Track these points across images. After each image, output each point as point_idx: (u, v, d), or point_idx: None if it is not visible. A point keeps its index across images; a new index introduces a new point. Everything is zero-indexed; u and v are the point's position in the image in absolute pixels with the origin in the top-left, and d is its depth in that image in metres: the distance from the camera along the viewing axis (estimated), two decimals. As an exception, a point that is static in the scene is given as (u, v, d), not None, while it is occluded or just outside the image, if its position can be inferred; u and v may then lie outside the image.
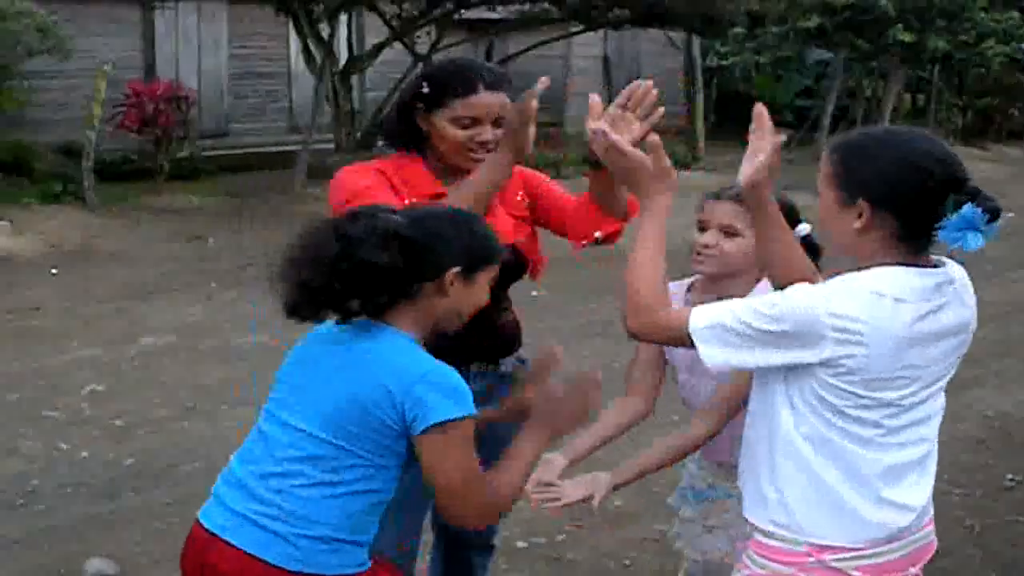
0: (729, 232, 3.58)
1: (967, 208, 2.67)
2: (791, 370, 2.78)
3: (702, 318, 2.81)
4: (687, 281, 3.82)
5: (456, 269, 2.95)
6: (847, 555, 2.79)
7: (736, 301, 2.85)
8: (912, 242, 2.78)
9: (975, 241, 2.69)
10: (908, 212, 2.75)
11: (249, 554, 2.89)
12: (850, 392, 2.73)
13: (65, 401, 7.92)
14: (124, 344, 9.48)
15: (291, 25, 18.44)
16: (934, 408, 2.90)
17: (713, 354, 2.79)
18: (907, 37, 22.56)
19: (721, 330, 2.78)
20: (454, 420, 2.81)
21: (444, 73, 3.74)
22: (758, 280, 3.57)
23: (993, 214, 2.70)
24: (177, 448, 7.03)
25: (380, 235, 2.87)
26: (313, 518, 2.88)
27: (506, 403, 3.48)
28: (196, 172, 17.60)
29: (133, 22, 18.82)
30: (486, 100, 3.65)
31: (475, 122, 3.64)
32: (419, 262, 2.91)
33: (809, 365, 2.73)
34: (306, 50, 17.79)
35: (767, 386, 2.87)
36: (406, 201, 3.57)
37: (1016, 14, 24.85)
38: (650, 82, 3.47)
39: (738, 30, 22.31)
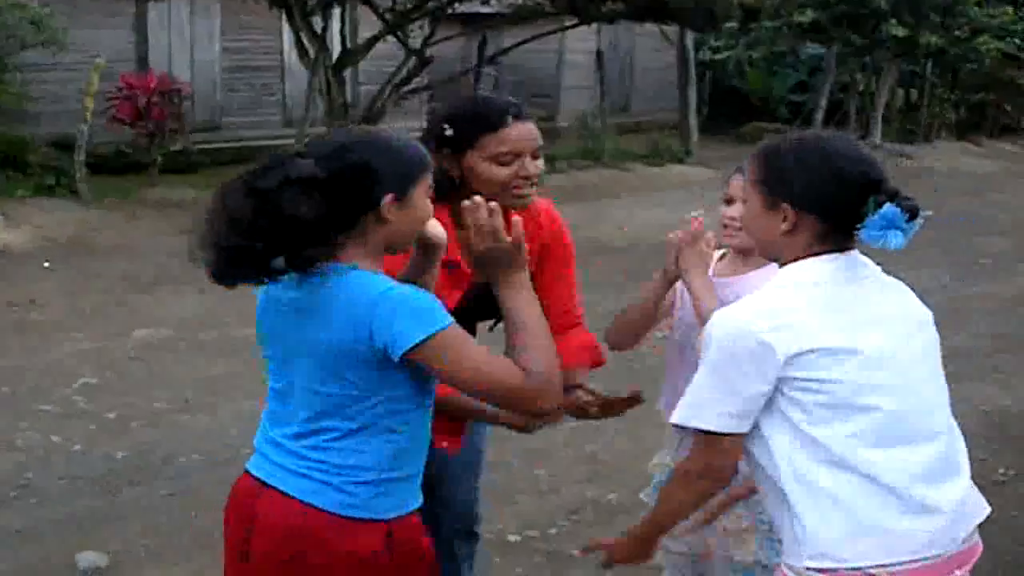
0: None
1: (887, 208, 2.75)
2: (766, 407, 2.82)
3: (682, 413, 2.91)
4: (720, 251, 3.87)
5: (389, 197, 2.84)
6: (886, 567, 2.76)
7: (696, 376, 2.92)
8: (835, 241, 2.87)
9: (896, 240, 2.76)
10: (830, 213, 2.84)
11: (304, 502, 2.86)
12: (831, 390, 2.76)
13: (60, 394, 7.92)
14: (119, 337, 9.47)
15: (284, 18, 18.41)
16: (931, 393, 2.91)
17: (726, 422, 2.84)
18: (901, 32, 22.60)
19: (696, 401, 2.88)
20: (425, 339, 2.72)
21: (467, 111, 3.54)
22: None
23: (912, 213, 2.76)
24: (174, 441, 7.02)
25: (296, 184, 2.73)
26: (359, 465, 2.85)
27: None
28: (190, 165, 17.57)
29: (126, 15, 18.76)
30: (520, 130, 3.46)
31: (515, 156, 3.44)
32: (346, 201, 2.80)
33: (784, 375, 2.77)
34: (299, 43, 17.75)
35: (753, 438, 2.88)
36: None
37: (1010, 9, 24.87)
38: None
39: (732, 24, 22.30)
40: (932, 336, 2.99)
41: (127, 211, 14.91)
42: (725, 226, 3.76)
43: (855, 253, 2.91)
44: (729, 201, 3.76)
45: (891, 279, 3.00)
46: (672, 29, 23.03)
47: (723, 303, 3.59)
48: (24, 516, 5.98)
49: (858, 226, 2.79)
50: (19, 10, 14.49)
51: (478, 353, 2.79)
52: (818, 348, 2.75)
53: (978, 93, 28.51)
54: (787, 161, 2.89)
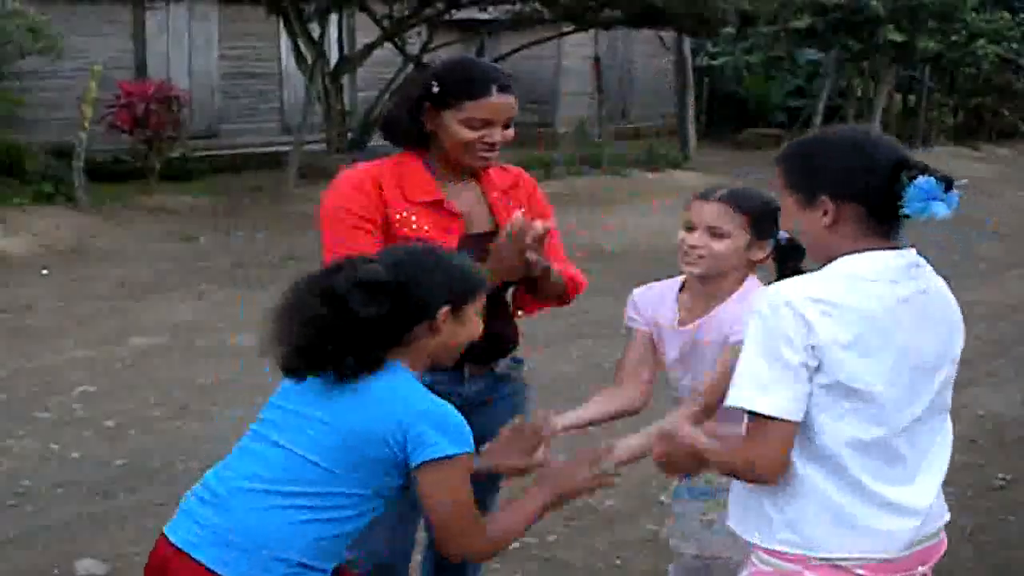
0: (716, 233, 3.61)
1: (921, 179, 2.75)
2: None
3: (742, 394, 2.80)
4: (675, 281, 3.84)
5: (445, 308, 2.97)
6: (859, 559, 2.78)
7: (744, 354, 2.83)
8: (881, 227, 2.84)
9: (940, 209, 2.76)
10: (868, 196, 2.82)
11: (213, 571, 2.88)
12: (842, 384, 2.74)
13: (57, 401, 7.91)
14: (116, 344, 9.47)
15: (282, 25, 18.44)
16: (932, 401, 2.90)
17: (771, 401, 2.75)
18: (898, 37, 22.65)
19: (752, 382, 2.78)
20: (451, 456, 2.84)
21: (456, 73, 3.70)
22: (745, 278, 3.62)
23: (947, 182, 2.78)
24: (170, 448, 7.02)
25: (364, 287, 2.87)
26: (287, 541, 2.88)
27: (496, 454, 3.48)
28: (187, 172, 17.60)
29: (124, 22, 18.80)
30: (499, 102, 3.63)
31: (486, 124, 3.63)
32: (407, 307, 2.92)
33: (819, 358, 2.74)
34: (297, 50, 17.79)
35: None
36: (402, 214, 3.62)
37: (1007, 14, 24.92)
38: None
39: (729, 30, 22.33)
40: (956, 350, 2.97)
41: (125, 218, 14.91)
42: (686, 254, 3.67)
43: (913, 252, 2.88)
44: (690, 227, 3.71)
45: (940, 284, 2.97)
46: (669, 35, 23.07)
47: (685, 355, 3.66)
48: (21, 523, 5.97)
49: (899, 203, 2.77)
50: (17, 18, 14.51)
51: (469, 492, 2.93)
52: (839, 340, 2.72)
53: (975, 98, 28.57)
54: (813, 154, 2.90)
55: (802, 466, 2.80)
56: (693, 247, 3.64)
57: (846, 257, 2.82)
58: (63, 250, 13.30)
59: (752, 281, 3.64)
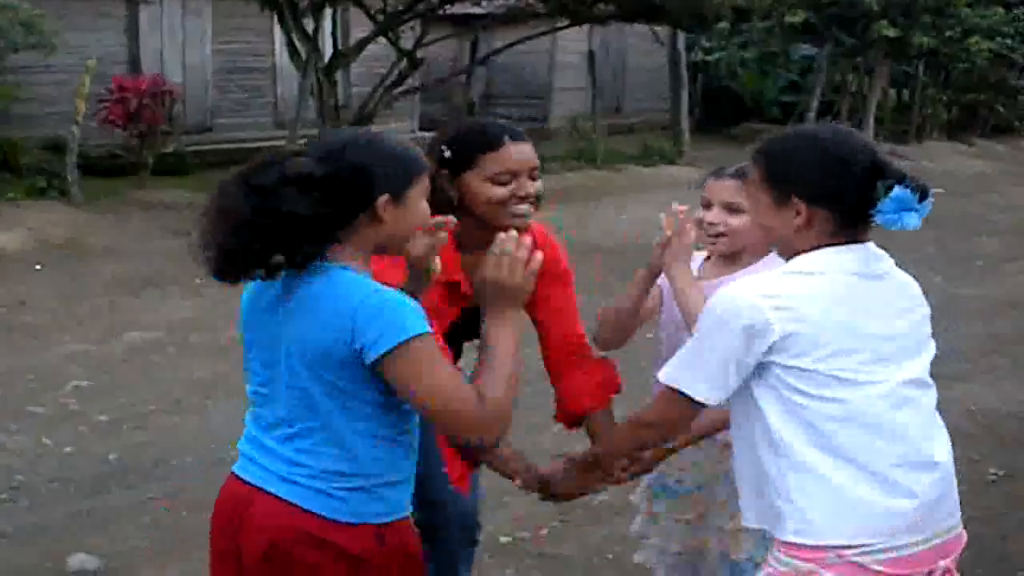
0: (733, 208, 3.65)
1: (897, 190, 2.77)
2: (759, 376, 2.85)
3: (669, 372, 2.99)
4: (702, 254, 3.90)
5: (384, 197, 2.85)
6: (867, 549, 2.78)
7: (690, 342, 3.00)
8: (851, 229, 2.88)
9: (912, 221, 2.78)
10: (841, 202, 2.85)
11: (296, 505, 2.84)
12: (825, 374, 2.78)
13: (52, 396, 7.91)
14: (111, 339, 9.47)
15: (275, 20, 18.40)
16: (919, 387, 2.93)
17: (702, 390, 2.91)
18: (892, 32, 22.63)
19: (690, 366, 2.93)
20: (404, 342, 2.71)
21: (465, 133, 3.63)
22: (767, 254, 3.63)
23: (922, 192, 2.79)
24: (165, 443, 7.02)
25: (295, 182, 2.74)
26: (346, 472, 2.84)
27: None
28: (181, 167, 17.55)
29: (118, 17, 18.75)
30: (518, 150, 3.54)
31: (512, 176, 3.51)
32: (343, 200, 2.80)
33: (770, 357, 2.80)
34: (291, 45, 17.74)
35: (743, 402, 2.93)
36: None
37: (1001, 10, 24.93)
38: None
39: (723, 25, 22.32)
40: (928, 335, 3.02)
41: (119, 213, 14.89)
42: (705, 231, 3.74)
43: (870, 246, 2.92)
44: (707, 205, 3.75)
45: (904, 275, 3.01)
46: (664, 30, 23.06)
47: None
48: (15, 518, 5.97)
49: (871, 212, 2.81)
50: (9, 12, 14.46)
51: (442, 368, 2.78)
52: (814, 333, 2.77)
53: (969, 93, 28.54)
54: (792, 156, 2.91)
55: (805, 454, 2.82)
56: (712, 224, 3.72)
57: (802, 255, 2.89)
58: (57, 245, 13.27)
59: (772, 257, 3.64)
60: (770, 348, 2.79)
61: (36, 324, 9.99)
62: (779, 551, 2.90)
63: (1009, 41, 25.50)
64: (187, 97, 18.53)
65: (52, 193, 15.07)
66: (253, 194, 2.74)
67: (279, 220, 2.72)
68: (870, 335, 2.83)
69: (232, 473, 3.02)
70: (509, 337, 2.88)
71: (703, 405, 2.93)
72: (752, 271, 3.60)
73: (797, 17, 22.88)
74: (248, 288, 2.99)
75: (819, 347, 2.78)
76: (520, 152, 3.54)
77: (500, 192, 3.49)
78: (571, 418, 3.94)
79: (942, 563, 2.88)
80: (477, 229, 3.47)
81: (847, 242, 2.88)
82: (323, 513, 2.84)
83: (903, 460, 2.84)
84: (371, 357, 2.72)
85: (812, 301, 2.80)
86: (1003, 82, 28.18)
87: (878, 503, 2.80)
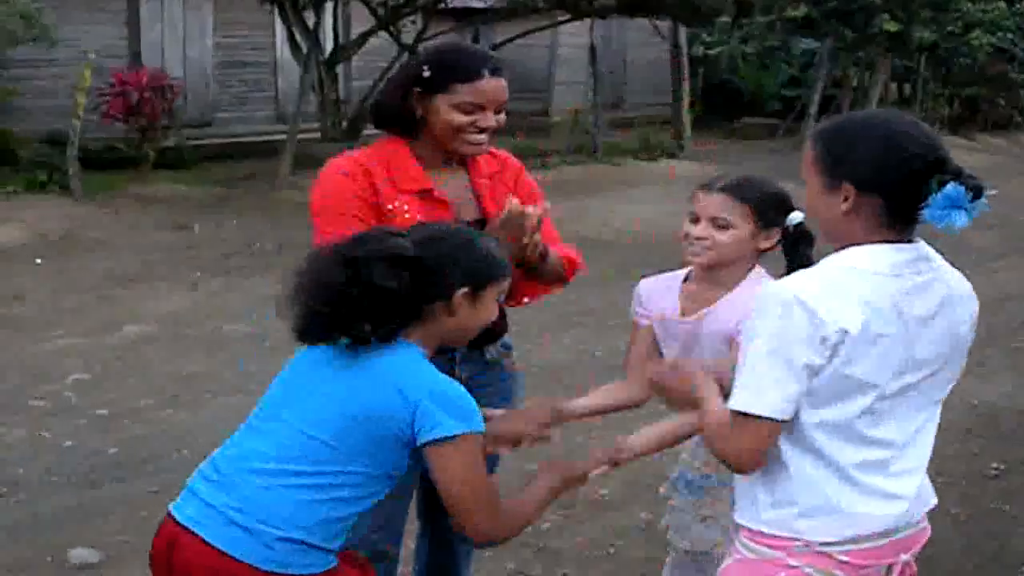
0: (720, 224, 3.59)
1: (951, 187, 2.70)
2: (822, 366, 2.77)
3: (740, 396, 2.79)
4: (680, 273, 3.82)
5: (464, 290, 3.00)
6: (836, 540, 2.79)
7: (750, 353, 2.80)
8: (897, 223, 2.80)
9: (961, 219, 2.71)
10: (893, 193, 2.77)
11: (219, 549, 2.89)
12: (837, 373, 2.73)
13: (49, 390, 7.90)
14: (109, 333, 9.46)
15: (276, 13, 18.41)
16: (928, 392, 2.89)
17: (773, 402, 2.74)
18: (893, 27, 22.63)
19: (752, 383, 2.77)
20: (459, 435, 2.85)
21: (447, 57, 3.72)
22: (750, 269, 3.60)
23: (976, 192, 2.73)
24: (161, 437, 7.01)
25: (389, 259, 2.90)
26: (293, 520, 2.88)
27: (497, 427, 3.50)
28: (181, 161, 17.55)
29: (118, 10, 18.75)
30: (491, 86, 3.65)
31: (478, 108, 3.63)
32: (428, 284, 2.94)
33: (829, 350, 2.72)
34: (292, 39, 17.76)
35: None
36: (394, 204, 3.60)
37: (1002, 4, 24.92)
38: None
39: (724, 19, 22.32)
40: (965, 341, 2.96)
41: (118, 207, 14.88)
42: (691, 244, 3.64)
43: (922, 246, 2.85)
44: (695, 219, 3.70)
45: (956, 279, 2.94)
46: (665, 24, 23.03)
47: (688, 346, 3.63)
48: (13, 512, 5.96)
49: (921, 206, 2.74)
50: (9, 6, 14.46)
51: (483, 470, 2.95)
52: (846, 331, 2.69)
53: (970, 88, 28.55)
54: (849, 141, 2.82)
55: (792, 452, 2.80)
56: (698, 239, 3.62)
57: (847, 250, 2.81)
58: (56, 239, 13.27)
59: (757, 271, 3.62)
60: (827, 345, 2.70)
61: (34, 317, 9.98)
62: (746, 538, 2.89)
63: (1010, 36, 25.52)
64: (187, 91, 18.54)
65: (52, 187, 15.08)
66: (347, 265, 2.90)
67: (369, 292, 2.87)
68: (898, 343, 2.76)
69: (167, 513, 3.07)
70: (551, 492, 3.23)
71: (771, 419, 2.76)
72: (735, 296, 3.57)
73: (798, 11, 22.90)
74: (311, 348, 3.10)
75: (844, 349, 2.70)
76: (492, 86, 3.65)
77: (461, 120, 3.63)
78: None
79: (904, 556, 2.89)
80: (435, 148, 3.71)
81: (896, 240, 2.80)
82: (249, 561, 2.88)
83: (887, 467, 2.83)
84: (426, 438, 2.86)
85: (854, 301, 2.72)
86: (1004, 77, 28.17)
87: (857, 507, 2.79)
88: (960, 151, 24.61)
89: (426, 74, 3.63)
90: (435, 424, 2.84)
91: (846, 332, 2.69)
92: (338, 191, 3.64)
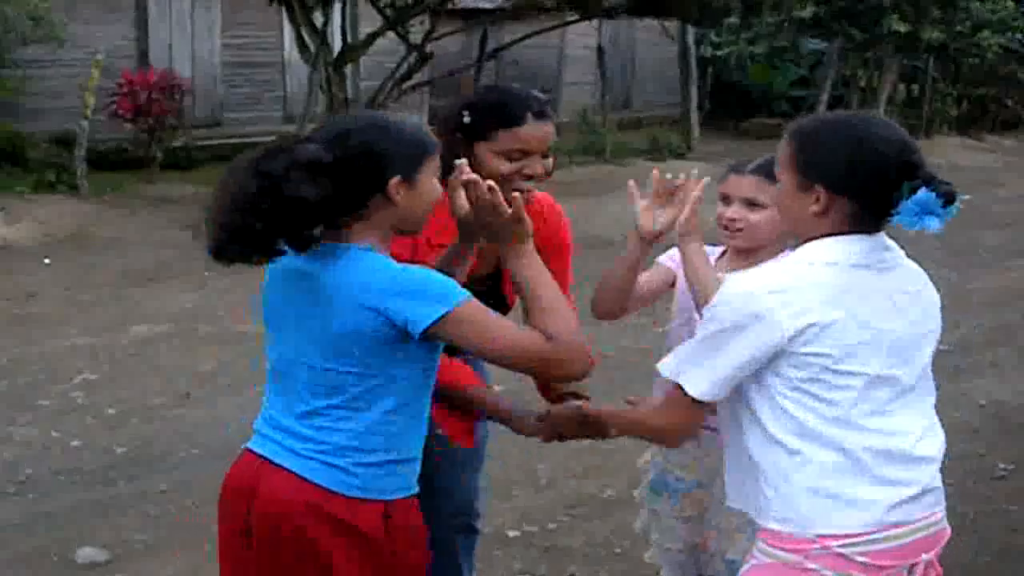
0: (753, 204, 3.62)
1: (922, 193, 2.72)
2: (765, 364, 2.81)
3: (671, 365, 2.92)
4: (718, 248, 3.84)
5: (396, 179, 2.88)
6: (852, 540, 2.78)
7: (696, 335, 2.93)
8: (866, 226, 2.84)
9: (932, 224, 2.74)
10: (864, 197, 2.81)
11: (307, 479, 2.89)
12: (820, 364, 2.76)
13: (59, 389, 7.92)
14: (118, 332, 9.47)
15: (285, 14, 18.40)
16: (917, 382, 2.92)
17: (704, 388, 2.85)
18: (902, 27, 22.59)
19: (688, 358, 2.88)
20: (445, 315, 2.77)
21: (489, 103, 3.55)
22: (783, 251, 3.61)
23: (948, 198, 2.73)
24: (172, 435, 7.02)
25: (304, 168, 2.77)
26: (360, 447, 2.88)
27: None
28: (190, 161, 17.57)
29: (126, 10, 18.75)
30: (536, 131, 3.48)
31: (523, 154, 3.46)
32: (355, 184, 2.84)
33: (781, 349, 2.76)
34: (300, 39, 17.73)
35: (739, 389, 2.89)
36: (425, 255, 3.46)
37: (1011, 4, 24.86)
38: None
39: (732, 19, 22.28)
40: (936, 329, 2.99)
41: (127, 207, 14.92)
42: (725, 227, 3.70)
43: (880, 237, 2.88)
44: (726, 200, 3.72)
45: (913, 266, 2.98)
46: (673, 24, 23.02)
47: None
48: (22, 510, 5.98)
49: (892, 211, 2.76)
50: (18, 5, 14.47)
51: (500, 322, 2.86)
52: (817, 323, 2.74)
53: (979, 88, 28.51)
54: (823, 142, 2.85)
55: (794, 444, 2.81)
56: (732, 219, 3.67)
57: (810, 244, 2.86)
58: (65, 238, 13.30)
59: (789, 252, 3.64)
60: (778, 346, 2.75)
61: (44, 316, 10.01)
62: (764, 542, 2.89)
63: (1019, 35, 25.46)
64: (196, 91, 18.52)
65: (60, 186, 15.11)
66: (260, 177, 2.76)
67: (282, 203, 2.74)
68: (872, 330, 2.80)
69: (245, 448, 3.06)
70: (537, 269, 2.94)
71: (703, 404, 2.88)
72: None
73: (806, 11, 22.81)
74: (268, 271, 3.02)
75: (821, 340, 2.75)
76: (537, 132, 3.48)
77: (507, 168, 3.45)
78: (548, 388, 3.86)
79: (925, 556, 2.88)
80: None
81: (859, 233, 2.84)
82: (333, 488, 2.88)
83: (892, 454, 2.83)
84: (420, 328, 2.77)
85: (818, 293, 2.77)
86: (1013, 77, 28.12)
87: (864, 495, 2.80)
88: (969, 151, 24.62)
89: (466, 120, 3.47)
90: (415, 317, 2.76)
91: (811, 324, 2.74)
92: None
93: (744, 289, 2.82)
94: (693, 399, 2.86)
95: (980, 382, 8.22)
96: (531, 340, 2.82)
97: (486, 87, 3.98)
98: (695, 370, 2.86)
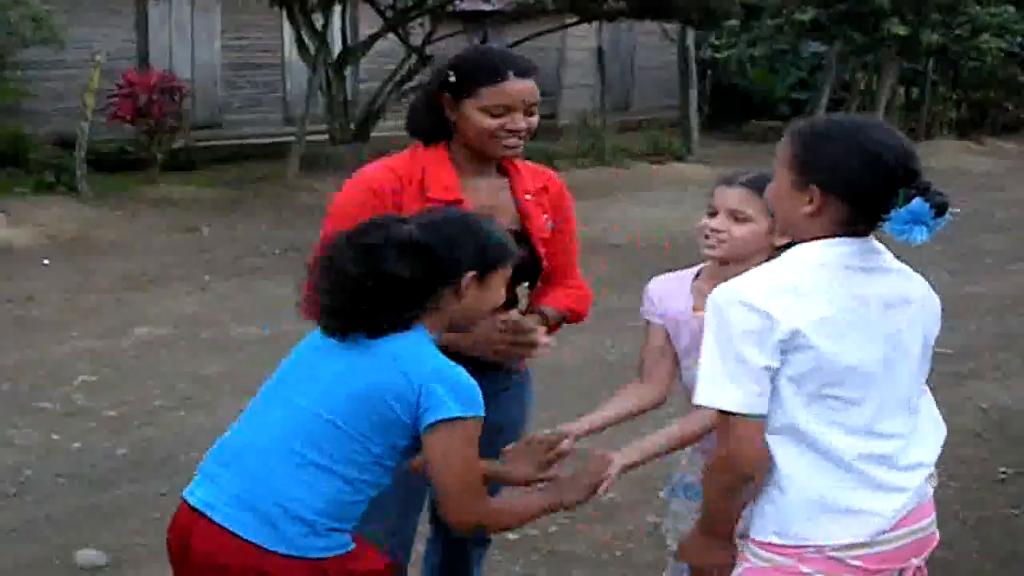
0: (739, 217, 3.60)
1: (916, 202, 2.72)
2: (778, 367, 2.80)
3: (704, 393, 2.84)
4: (690, 271, 3.82)
5: (471, 273, 3.01)
6: (847, 544, 2.79)
7: (703, 353, 2.87)
8: (858, 229, 2.84)
9: (921, 235, 2.74)
10: (858, 201, 2.81)
11: (231, 532, 2.91)
12: (809, 367, 2.76)
13: (60, 392, 7.91)
14: (119, 335, 9.47)
15: (285, 16, 18.41)
16: (909, 387, 2.92)
17: (731, 397, 2.79)
18: (902, 30, 22.58)
19: (712, 380, 2.82)
20: (462, 418, 2.87)
21: (471, 61, 3.69)
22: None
23: (940, 209, 2.73)
24: (173, 439, 7.02)
25: (397, 246, 2.91)
26: (304, 500, 2.90)
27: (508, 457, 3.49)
28: (190, 163, 17.58)
29: (127, 12, 18.77)
30: (517, 87, 3.60)
31: (507, 110, 3.59)
32: (436, 270, 2.96)
33: (782, 355, 2.76)
34: (300, 41, 17.75)
35: None
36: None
37: (1011, 8, 24.85)
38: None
39: (732, 22, 22.30)
40: (930, 333, 2.98)
41: (127, 209, 14.91)
42: (707, 237, 3.67)
43: (870, 240, 2.88)
44: (713, 213, 3.70)
45: (905, 270, 2.97)
46: (673, 27, 23.04)
47: (699, 343, 3.64)
48: (23, 514, 5.97)
49: (884, 216, 2.77)
50: (19, 7, 14.47)
51: (475, 455, 2.97)
52: (807, 325, 2.74)
53: (979, 91, 28.52)
54: (824, 145, 2.84)
55: (789, 455, 2.81)
56: (715, 231, 3.64)
57: (800, 246, 2.87)
58: (66, 240, 13.29)
59: None
60: (782, 343, 2.74)
61: (45, 319, 10.00)
62: (756, 547, 2.89)
63: (1019, 39, 25.45)
64: (196, 93, 18.54)
65: (61, 188, 15.12)
66: (359, 253, 2.92)
67: (383, 281, 2.89)
68: (861, 333, 2.80)
69: (182, 498, 3.09)
70: (542, 507, 3.24)
71: (752, 418, 2.78)
72: None
73: (806, 15, 22.83)
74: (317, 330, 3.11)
75: (812, 346, 2.75)
76: (519, 87, 3.61)
77: (491, 123, 3.60)
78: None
79: (915, 560, 2.90)
80: (472, 154, 3.67)
81: (849, 236, 2.84)
82: (257, 542, 2.90)
83: (882, 460, 2.84)
84: (429, 420, 2.88)
85: (804, 292, 2.77)
86: (1013, 80, 28.14)
87: (861, 504, 2.80)
88: (969, 155, 24.63)
89: (451, 79, 3.61)
90: (439, 405, 2.86)
91: (798, 330, 2.73)
92: (360, 203, 3.58)
93: (733, 292, 2.81)
94: (742, 416, 2.78)
95: (982, 387, 8.20)
96: (474, 492, 2.98)
97: (468, 48, 4.11)
98: (724, 388, 2.79)
